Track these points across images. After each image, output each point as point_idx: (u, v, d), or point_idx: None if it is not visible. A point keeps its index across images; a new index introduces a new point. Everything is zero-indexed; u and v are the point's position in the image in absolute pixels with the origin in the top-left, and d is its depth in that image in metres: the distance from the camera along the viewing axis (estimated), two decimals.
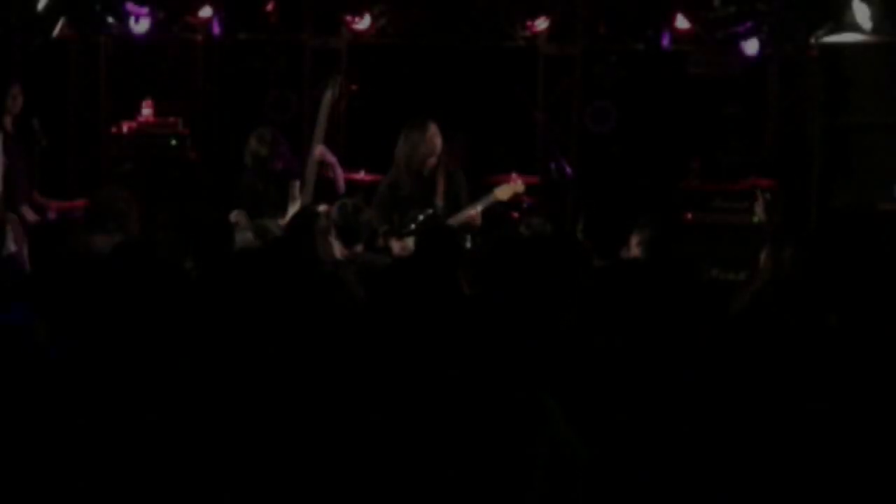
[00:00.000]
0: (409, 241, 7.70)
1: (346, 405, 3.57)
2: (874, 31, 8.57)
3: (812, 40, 8.98)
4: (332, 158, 8.37)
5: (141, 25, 9.52)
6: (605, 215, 6.83)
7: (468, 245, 7.47)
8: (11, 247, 6.91)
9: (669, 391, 3.83)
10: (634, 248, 6.14)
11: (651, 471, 3.61)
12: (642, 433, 3.69)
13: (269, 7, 10.00)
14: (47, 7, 8.66)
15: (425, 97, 10.15)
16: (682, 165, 9.75)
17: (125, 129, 9.82)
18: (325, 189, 8.37)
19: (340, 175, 8.44)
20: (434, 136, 7.80)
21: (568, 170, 8.51)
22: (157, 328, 4.06)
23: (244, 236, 7.03)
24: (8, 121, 7.99)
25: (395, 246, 7.79)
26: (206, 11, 9.88)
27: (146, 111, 9.86)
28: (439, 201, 7.85)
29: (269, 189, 8.28)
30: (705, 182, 9.62)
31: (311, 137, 8.55)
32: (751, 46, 9.44)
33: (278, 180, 8.27)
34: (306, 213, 7.24)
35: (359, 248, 6.84)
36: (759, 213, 7.48)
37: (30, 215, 7.88)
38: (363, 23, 10.06)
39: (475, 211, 7.80)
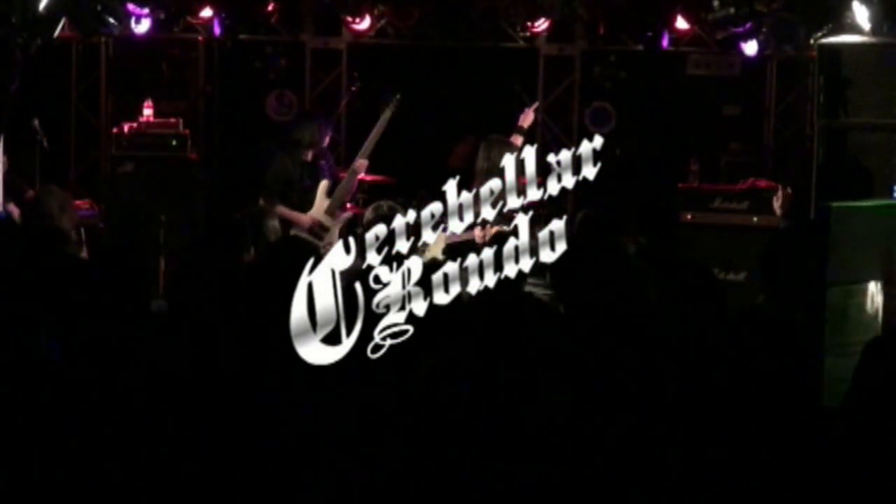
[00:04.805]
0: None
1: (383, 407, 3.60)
2: (873, 32, 8.56)
3: (811, 41, 8.98)
4: (363, 173, 8.47)
5: (142, 26, 9.53)
6: (604, 215, 6.84)
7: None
8: None
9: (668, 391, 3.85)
10: None
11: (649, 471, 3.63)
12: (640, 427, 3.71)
13: (270, 7, 10.02)
14: (48, 7, 8.64)
15: (425, 97, 10.16)
16: (681, 166, 9.77)
17: (125, 129, 9.83)
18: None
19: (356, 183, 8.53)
20: None
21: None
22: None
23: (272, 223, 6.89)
24: None
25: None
26: (206, 12, 9.91)
27: (146, 111, 9.87)
28: None
29: (304, 177, 8.28)
30: (705, 182, 9.64)
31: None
32: (750, 47, 9.46)
33: (312, 171, 8.29)
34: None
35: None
36: (777, 210, 7.42)
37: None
38: (363, 23, 10.08)
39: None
